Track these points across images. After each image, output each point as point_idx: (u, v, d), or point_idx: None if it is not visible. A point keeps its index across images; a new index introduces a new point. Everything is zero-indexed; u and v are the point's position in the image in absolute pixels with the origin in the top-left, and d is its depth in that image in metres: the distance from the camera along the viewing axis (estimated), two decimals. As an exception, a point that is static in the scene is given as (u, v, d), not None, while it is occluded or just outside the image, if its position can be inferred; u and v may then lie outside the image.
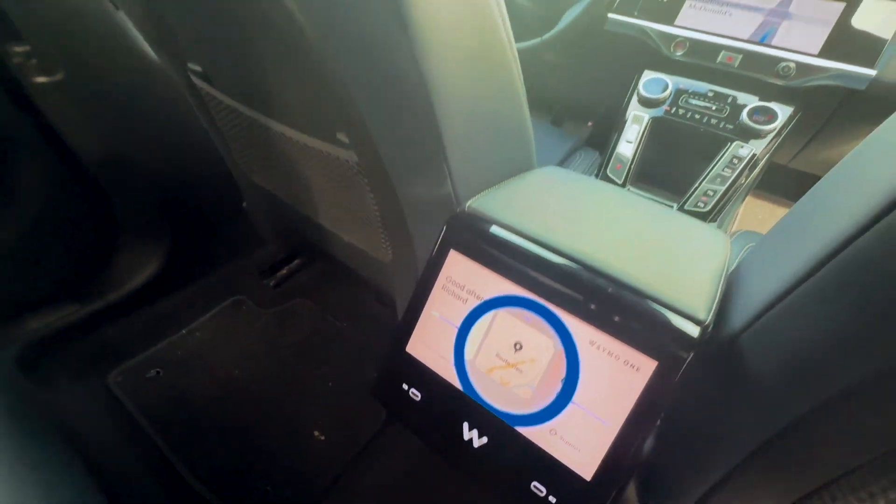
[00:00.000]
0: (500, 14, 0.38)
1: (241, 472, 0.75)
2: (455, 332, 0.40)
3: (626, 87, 0.94)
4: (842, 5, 0.76)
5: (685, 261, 0.38)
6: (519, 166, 0.50)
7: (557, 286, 0.36)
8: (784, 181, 1.09)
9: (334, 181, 0.55)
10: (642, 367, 0.33)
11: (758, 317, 0.32)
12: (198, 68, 0.59)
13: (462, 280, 0.39)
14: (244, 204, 0.86)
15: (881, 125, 0.34)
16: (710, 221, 0.78)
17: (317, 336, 0.98)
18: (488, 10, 0.37)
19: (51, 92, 0.67)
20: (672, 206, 0.81)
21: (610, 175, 0.86)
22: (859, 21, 0.74)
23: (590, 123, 1.23)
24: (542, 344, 0.36)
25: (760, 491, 0.33)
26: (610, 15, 0.92)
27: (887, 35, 0.72)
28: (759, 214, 1.29)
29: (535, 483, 0.37)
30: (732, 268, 0.41)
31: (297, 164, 0.59)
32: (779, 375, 0.30)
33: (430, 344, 0.42)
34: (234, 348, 0.93)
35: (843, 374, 0.25)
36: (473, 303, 0.39)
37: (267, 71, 0.49)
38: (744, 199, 0.91)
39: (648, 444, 0.47)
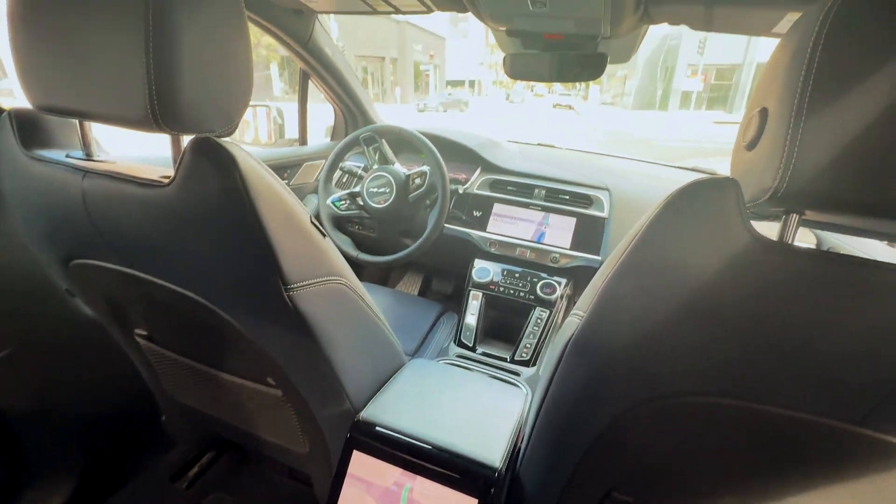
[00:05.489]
0: (364, 300, 0.67)
1: None
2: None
3: (466, 267, 1.34)
4: (574, 220, 1.26)
5: (492, 425, 0.67)
6: (392, 367, 0.77)
7: (418, 461, 0.61)
8: None
9: (262, 406, 0.76)
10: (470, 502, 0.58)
11: (523, 448, 0.61)
12: (143, 332, 0.79)
13: (359, 471, 0.63)
14: (163, 418, 0.98)
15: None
16: (532, 366, 1.13)
17: (236, 528, 1.04)
18: (359, 307, 0.66)
19: (-5, 366, 0.78)
20: (507, 357, 1.15)
21: (463, 340, 1.19)
22: (584, 230, 1.25)
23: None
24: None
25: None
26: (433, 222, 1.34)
27: (601, 237, 1.22)
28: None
29: None
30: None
31: (228, 393, 0.79)
32: (545, 459, 0.58)
33: (346, 519, 0.62)
34: (150, 564, 0.95)
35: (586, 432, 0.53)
36: (368, 484, 0.62)
37: (208, 339, 0.72)
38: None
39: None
